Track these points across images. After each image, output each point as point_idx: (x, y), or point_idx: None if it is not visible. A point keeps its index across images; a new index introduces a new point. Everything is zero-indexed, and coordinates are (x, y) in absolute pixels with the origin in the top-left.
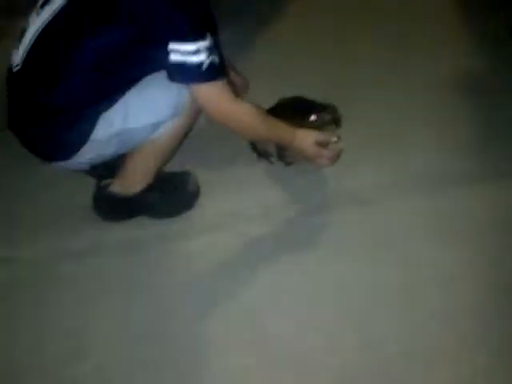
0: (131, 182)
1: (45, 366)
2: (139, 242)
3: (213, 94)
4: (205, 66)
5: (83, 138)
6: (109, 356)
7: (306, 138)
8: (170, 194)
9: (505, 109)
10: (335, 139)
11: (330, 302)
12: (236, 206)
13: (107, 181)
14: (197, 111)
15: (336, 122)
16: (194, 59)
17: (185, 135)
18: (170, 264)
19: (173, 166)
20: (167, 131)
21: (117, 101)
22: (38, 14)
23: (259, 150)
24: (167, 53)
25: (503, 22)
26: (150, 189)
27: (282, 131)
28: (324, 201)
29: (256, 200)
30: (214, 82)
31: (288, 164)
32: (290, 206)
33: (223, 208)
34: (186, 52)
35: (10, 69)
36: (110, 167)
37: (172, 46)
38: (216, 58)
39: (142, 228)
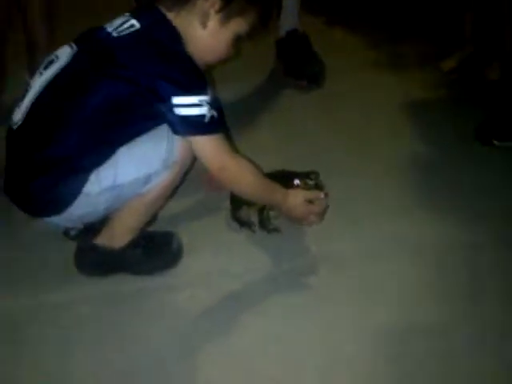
0: (116, 235)
1: None
2: (120, 294)
3: (213, 146)
4: (207, 119)
5: (76, 192)
6: None
7: (296, 197)
8: (153, 252)
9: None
10: (323, 196)
11: (315, 347)
12: (219, 265)
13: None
14: (186, 166)
15: (319, 187)
16: (197, 112)
17: (173, 190)
18: (152, 315)
19: (157, 227)
20: (156, 186)
21: (110, 157)
22: (40, 75)
23: (241, 220)
24: (171, 106)
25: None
26: (133, 245)
27: (276, 190)
28: (305, 263)
29: (239, 261)
30: (215, 135)
31: (270, 231)
32: (273, 267)
33: (206, 266)
34: (189, 105)
35: (9, 128)
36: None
37: (175, 99)
38: (215, 113)
39: (124, 281)
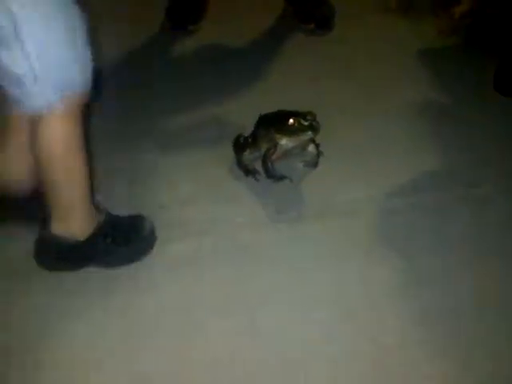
0: (71, 220)
1: None
2: None
3: None
4: None
5: None
6: None
7: None
8: (123, 240)
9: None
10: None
11: (322, 300)
12: (224, 215)
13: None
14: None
15: (313, 128)
16: None
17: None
18: (159, 265)
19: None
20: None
21: None
22: None
23: (246, 167)
24: None
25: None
26: (101, 235)
27: None
28: (312, 214)
29: (244, 211)
30: None
31: (277, 180)
32: (279, 217)
33: (211, 215)
34: None
35: None
36: None
37: None
38: None
39: None
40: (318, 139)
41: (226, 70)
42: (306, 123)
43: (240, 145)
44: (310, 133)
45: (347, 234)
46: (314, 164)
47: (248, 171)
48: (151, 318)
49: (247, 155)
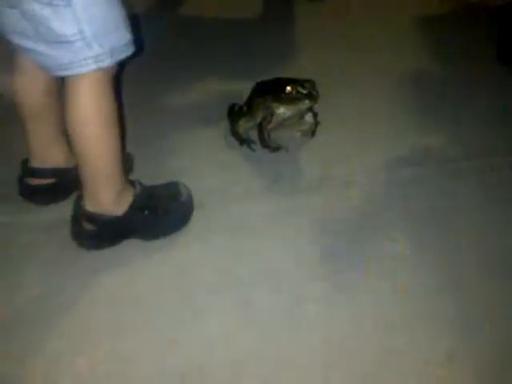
0: (103, 196)
1: None
2: None
3: None
4: None
5: None
6: None
7: None
8: (164, 210)
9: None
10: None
11: (318, 277)
12: (219, 184)
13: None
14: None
15: (311, 97)
16: None
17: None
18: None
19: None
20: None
21: None
22: None
23: (240, 136)
24: None
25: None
26: (138, 208)
27: None
28: (308, 182)
29: (240, 181)
30: None
31: (273, 150)
32: (274, 185)
33: (206, 187)
34: None
35: None
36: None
37: None
38: None
39: None
40: (316, 108)
41: (224, 38)
42: (304, 91)
43: (235, 113)
44: (307, 101)
45: (345, 205)
46: (311, 134)
47: (243, 140)
48: (142, 293)
49: (242, 124)
